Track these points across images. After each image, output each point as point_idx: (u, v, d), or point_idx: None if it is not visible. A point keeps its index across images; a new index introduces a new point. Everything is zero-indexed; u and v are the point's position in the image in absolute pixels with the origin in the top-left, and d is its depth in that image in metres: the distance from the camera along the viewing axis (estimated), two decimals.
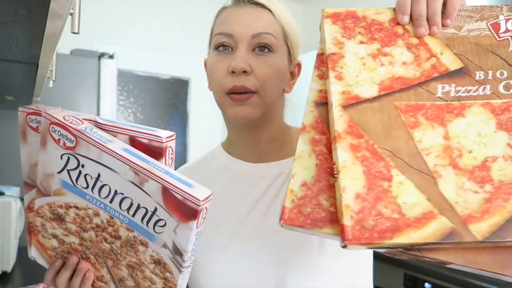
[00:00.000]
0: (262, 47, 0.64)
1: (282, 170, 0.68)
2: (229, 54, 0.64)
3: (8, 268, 1.41)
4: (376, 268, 0.84)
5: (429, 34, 0.49)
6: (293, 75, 0.72)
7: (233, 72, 0.62)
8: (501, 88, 0.46)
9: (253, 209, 0.67)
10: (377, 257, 0.81)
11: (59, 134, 0.50)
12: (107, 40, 2.93)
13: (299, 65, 0.73)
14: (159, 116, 3.24)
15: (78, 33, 0.52)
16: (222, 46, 0.64)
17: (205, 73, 0.70)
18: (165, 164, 0.52)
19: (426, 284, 1.60)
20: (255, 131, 0.70)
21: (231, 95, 0.63)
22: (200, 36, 3.36)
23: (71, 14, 0.50)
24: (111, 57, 2.03)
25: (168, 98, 3.28)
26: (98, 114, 2.00)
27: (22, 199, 1.57)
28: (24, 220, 1.62)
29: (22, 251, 1.68)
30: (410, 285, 1.67)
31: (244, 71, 0.62)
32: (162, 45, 3.15)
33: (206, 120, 3.39)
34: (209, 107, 3.40)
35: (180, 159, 3.35)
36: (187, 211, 0.46)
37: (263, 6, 0.65)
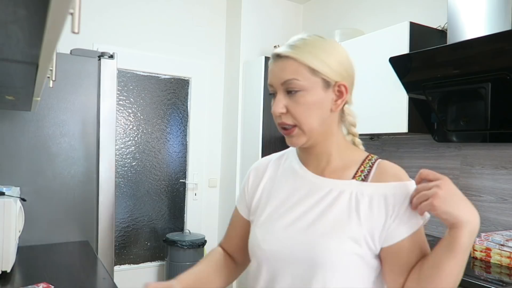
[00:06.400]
0: (290, 91, 0.82)
1: (332, 188, 0.85)
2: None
3: (8, 268, 1.41)
4: None
5: None
6: (339, 95, 0.85)
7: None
8: None
9: (305, 215, 0.85)
10: None
11: None
12: (107, 40, 2.93)
13: (342, 86, 0.84)
14: (159, 116, 3.24)
15: (78, 33, 0.52)
16: (271, 93, 0.87)
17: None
18: None
19: None
20: (313, 149, 0.88)
21: (282, 129, 0.86)
22: (200, 36, 3.37)
23: (71, 14, 0.50)
24: (111, 57, 2.03)
25: (168, 98, 3.28)
26: (98, 114, 2.00)
27: (22, 199, 1.57)
28: (24, 219, 1.62)
29: (22, 251, 1.68)
30: None
31: (282, 112, 0.83)
32: (162, 45, 3.15)
33: (206, 120, 3.39)
34: (209, 107, 3.40)
35: (180, 158, 3.36)
36: None
37: (287, 57, 0.82)
